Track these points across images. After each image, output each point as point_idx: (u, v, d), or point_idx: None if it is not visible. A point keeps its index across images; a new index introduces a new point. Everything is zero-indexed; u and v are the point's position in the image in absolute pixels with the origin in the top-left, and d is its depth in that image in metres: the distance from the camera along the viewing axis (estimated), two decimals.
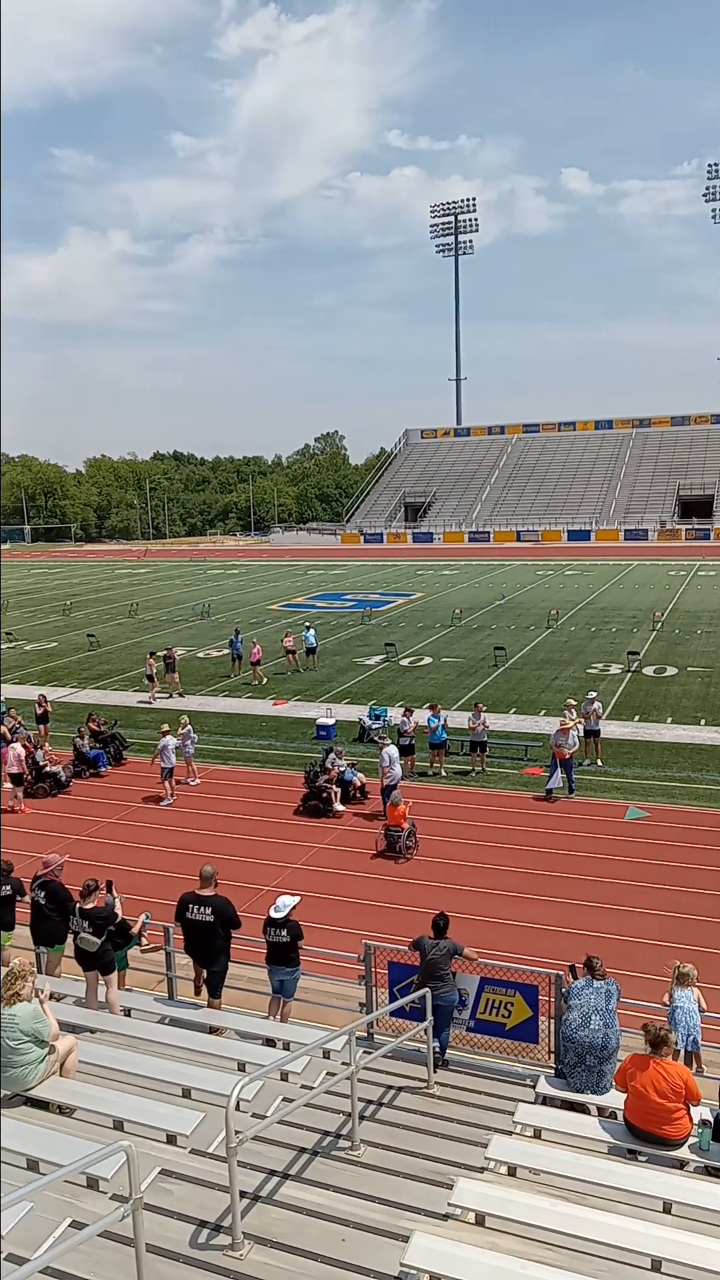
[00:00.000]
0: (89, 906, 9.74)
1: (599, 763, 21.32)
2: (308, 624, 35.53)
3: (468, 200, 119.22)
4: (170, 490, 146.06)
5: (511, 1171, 6.53)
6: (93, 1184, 5.59)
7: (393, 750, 18.80)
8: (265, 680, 30.78)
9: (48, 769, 21.24)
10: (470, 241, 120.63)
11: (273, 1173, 6.12)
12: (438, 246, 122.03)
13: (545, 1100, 8.01)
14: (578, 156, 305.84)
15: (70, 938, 10.25)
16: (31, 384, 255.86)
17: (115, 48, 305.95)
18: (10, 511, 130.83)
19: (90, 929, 9.58)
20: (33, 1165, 5.75)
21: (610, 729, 23.17)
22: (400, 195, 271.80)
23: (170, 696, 29.54)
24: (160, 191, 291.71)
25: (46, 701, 25.13)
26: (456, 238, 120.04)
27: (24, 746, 21.39)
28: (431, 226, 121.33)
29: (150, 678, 29.77)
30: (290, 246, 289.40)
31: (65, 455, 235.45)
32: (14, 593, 60.18)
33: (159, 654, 30.52)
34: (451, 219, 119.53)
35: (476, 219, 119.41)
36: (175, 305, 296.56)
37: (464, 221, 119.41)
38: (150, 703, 29.15)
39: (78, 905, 9.80)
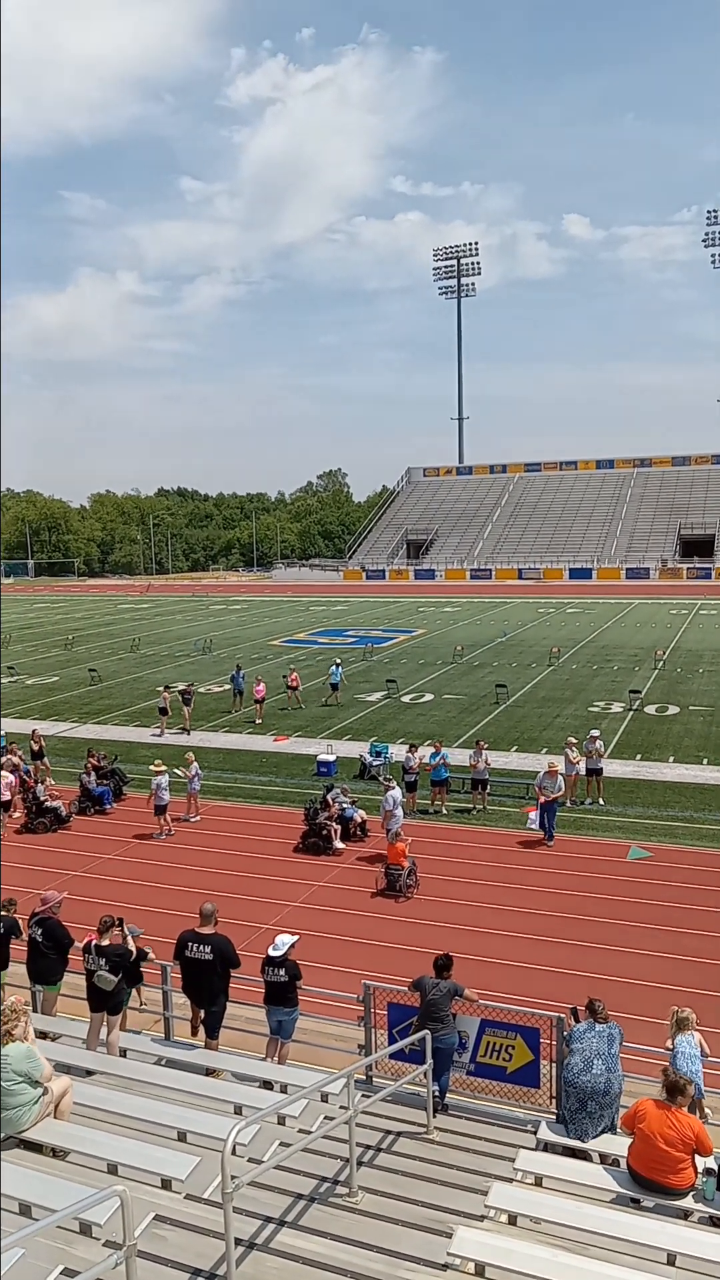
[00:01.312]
0: (105, 944, 9.62)
1: (601, 801, 21.19)
2: (337, 660, 35.86)
3: (470, 244, 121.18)
4: (173, 526, 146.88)
5: (512, 1220, 6.41)
6: (85, 1230, 5.49)
7: (397, 794, 18.62)
8: (259, 721, 30.57)
9: (48, 804, 21.14)
10: (473, 284, 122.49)
11: (269, 1219, 6.01)
12: (440, 289, 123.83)
13: (546, 1146, 7.88)
14: (579, 203, 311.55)
15: (71, 978, 10.16)
16: (39, 421, 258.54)
17: (128, 97, 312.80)
18: (14, 546, 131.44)
19: (107, 967, 9.44)
20: (25, 1210, 5.64)
21: (612, 768, 23.06)
22: (404, 239, 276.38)
23: (182, 732, 29.39)
24: (169, 234, 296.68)
25: (40, 737, 25.06)
26: (459, 280, 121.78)
27: (16, 776, 21.45)
28: (434, 269, 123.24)
29: (163, 710, 29.78)
30: (296, 288, 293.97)
31: (70, 491, 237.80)
32: (16, 627, 60.28)
33: (175, 687, 30.63)
34: (454, 262, 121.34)
35: (479, 262, 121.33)
36: (182, 344, 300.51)
37: (466, 265, 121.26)
38: (159, 736, 29.14)
39: (93, 943, 9.68)
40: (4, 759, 23.19)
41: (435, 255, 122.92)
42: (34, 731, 25.50)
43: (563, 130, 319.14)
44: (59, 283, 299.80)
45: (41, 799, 21.16)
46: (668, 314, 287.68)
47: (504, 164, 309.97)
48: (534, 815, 19.45)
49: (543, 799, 18.95)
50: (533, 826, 19.39)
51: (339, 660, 35.82)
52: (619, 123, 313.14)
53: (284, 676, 34.03)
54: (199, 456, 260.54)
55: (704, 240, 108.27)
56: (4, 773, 21.64)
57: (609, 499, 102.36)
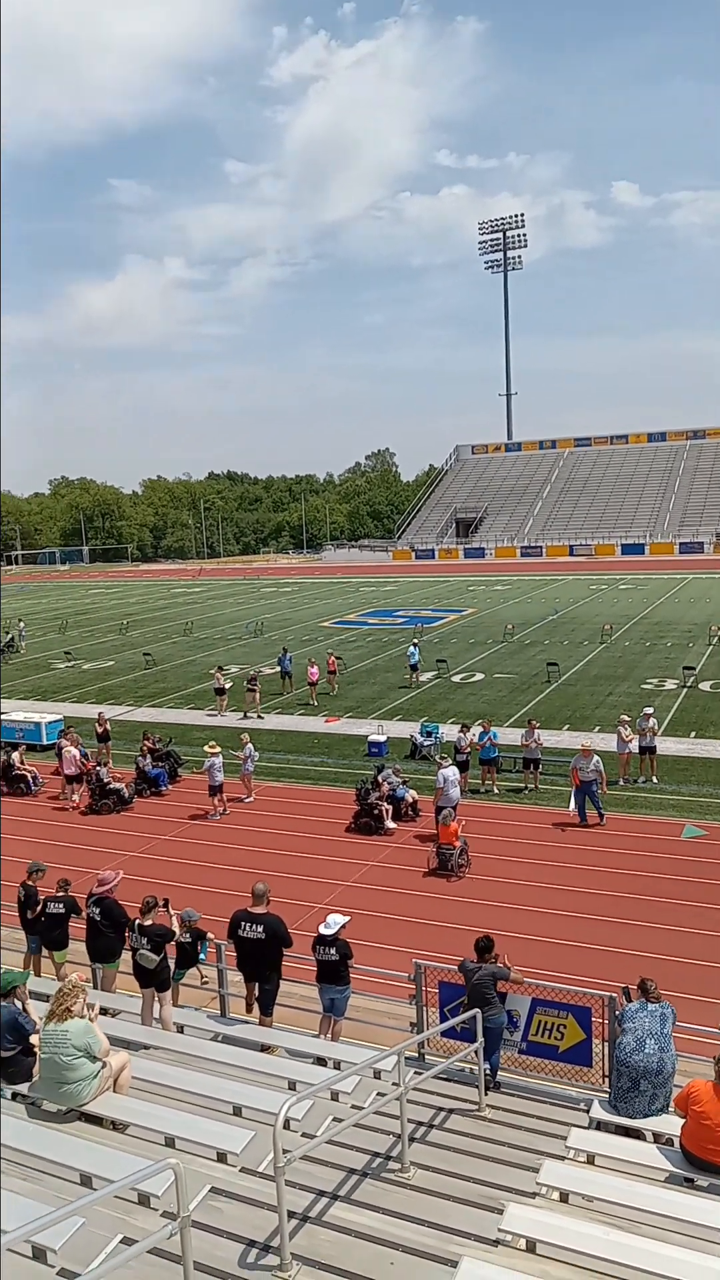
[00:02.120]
0: (148, 924, 9.87)
1: (654, 780, 20.98)
2: (415, 640, 35.57)
3: (516, 216, 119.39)
4: (224, 509, 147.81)
5: (564, 1198, 6.43)
6: (144, 1201, 5.63)
7: (451, 772, 18.59)
8: (314, 703, 30.70)
9: (111, 785, 21.48)
10: (519, 257, 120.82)
11: (322, 1193, 6.11)
12: (486, 263, 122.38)
13: (599, 1125, 7.88)
14: (628, 169, 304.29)
15: (128, 954, 10.40)
16: (91, 409, 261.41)
17: (171, 81, 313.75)
18: (70, 533, 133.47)
19: (149, 946, 9.70)
20: (85, 1180, 5.82)
21: (666, 745, 22.79)
22: (449, 213, 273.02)
23: (247, 718, 29.43)
24: (214, 217, 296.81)
25: (105, 720, 25.49)
26: (505, 253, 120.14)
27: (77, 748, 22.03)
28: (480, 243, 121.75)
29: (220, 690, 30.22)
30: (341, 267, 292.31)
31: (122, 477, 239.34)
32: (72, 613, 61.32)
33: (229, 669, 31.07)
34: (500, 235, 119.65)
35: (525, 234, 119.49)
36: (229, 328, 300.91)
37: (512, 237, 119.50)
38: (216, 716, 29.71)
39: (137, 922, 9.93)
40: (62, 740, 23.65)
41: (480, 228, 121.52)
42: (100, 715, 25.95)
43: (610, 95, 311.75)
44: (108, 271, 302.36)
45: (105, 781, 21.52)
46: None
47: (550, 133, 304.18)
48: (574, 799, 19.33)
49: (578, 780, 18.80)
50: (571, 810, 19.27)
51: (417, 640, 35.40)
52: (668, 85, 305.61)
53: (320, 658, 34.05)
54: (248, 440, 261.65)
55: None
56: (70, 748, 22.14)
57: (661, 472, 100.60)
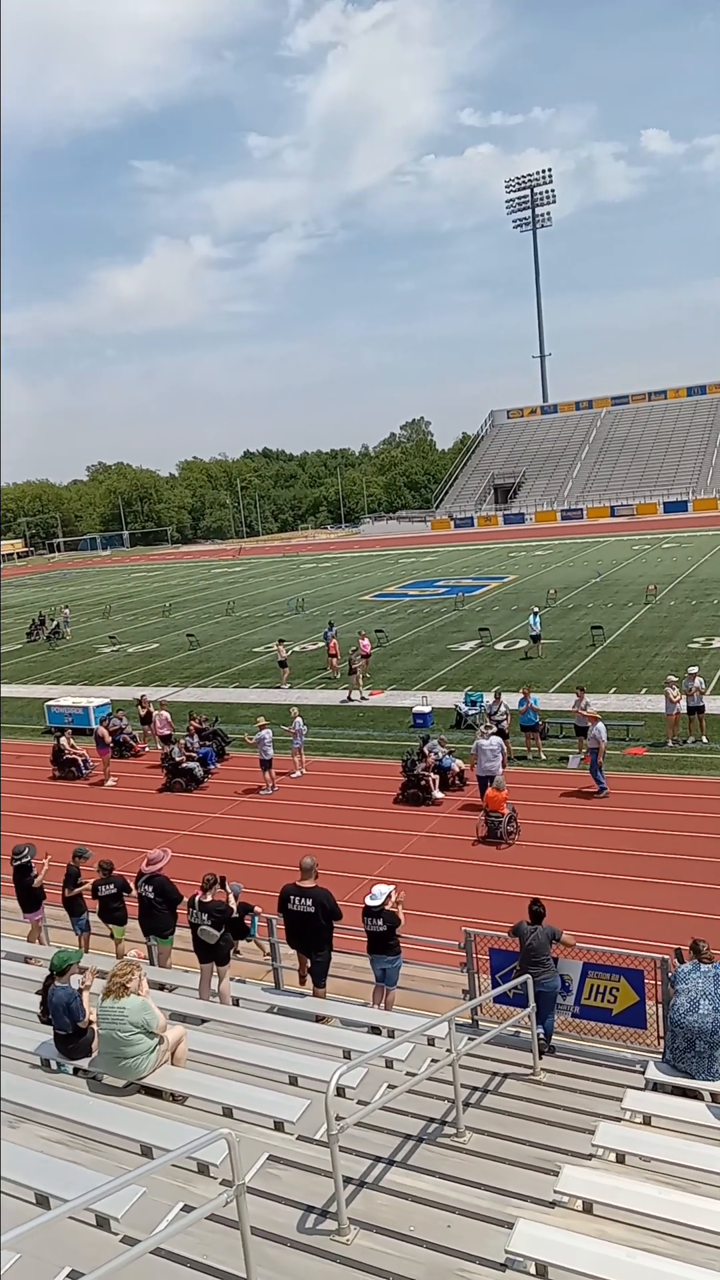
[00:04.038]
0: (208, 900, 10.02)
1: (704, 740, 20.73)
2: (535, 609, 34.14)
3: (543, 172, 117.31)
4: (261, 488, 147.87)
5: (620, 1159, 6.45)
6: (203, 1170, 5.75)
7: (484, 742, 18.25)
8: (369, 675, 30.70)
9: (184, 764, 21.74)
10: (548, 214, 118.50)
11: (378, 1159, 6.19)
12: (515, 221, 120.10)
13: (655, 1086, 7.88)
14: (656, 116, 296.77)
15: (181, 931, 10.59)
16: (125, 394, 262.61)
17: (189, 58, 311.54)
18: (109, 519, 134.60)
19: (210, 922, 9.86)
20: (145, 1151, 5.95)
21: (715, 704, 22.47)
22: (476, 174, 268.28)
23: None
24: (238, 194, 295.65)
25: (148, 702, 25.80)
26: (534, 211, 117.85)
27: (113, 741, 22.71)
28: (507, 202, 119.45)
29: (283, 663, 30.55)
30: (369, 236, 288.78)
31: (159, 460, 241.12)
32: (115, 597, 61.98)
33: (286, 641, 31.74)
34: (528, 192, 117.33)
35: (553, 190, 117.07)
36: (258, 305, 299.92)
37: (540, 194, 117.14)
38: (284, 688, 30.06)
39: (197, 899, 10.08)
40: (108, 723, 24.02)
41: (508, 186, 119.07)
42: (142, 697, 26.27)
43: (635, 39, 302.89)
44: (135, 255, 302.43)
45: (178, 760, 21.78)
46: None
47: (575, 83, 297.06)
48: (574, 760, 19.62)
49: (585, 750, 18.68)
50: (571, 767, 19.58)
51: (537, 609, 34.13)
52: (695, 24, 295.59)
53: (369, 633, 34.04)
54: (282, 417, 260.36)
55: None
56: (162, 711, 24.16)
57: (702, 427, 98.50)
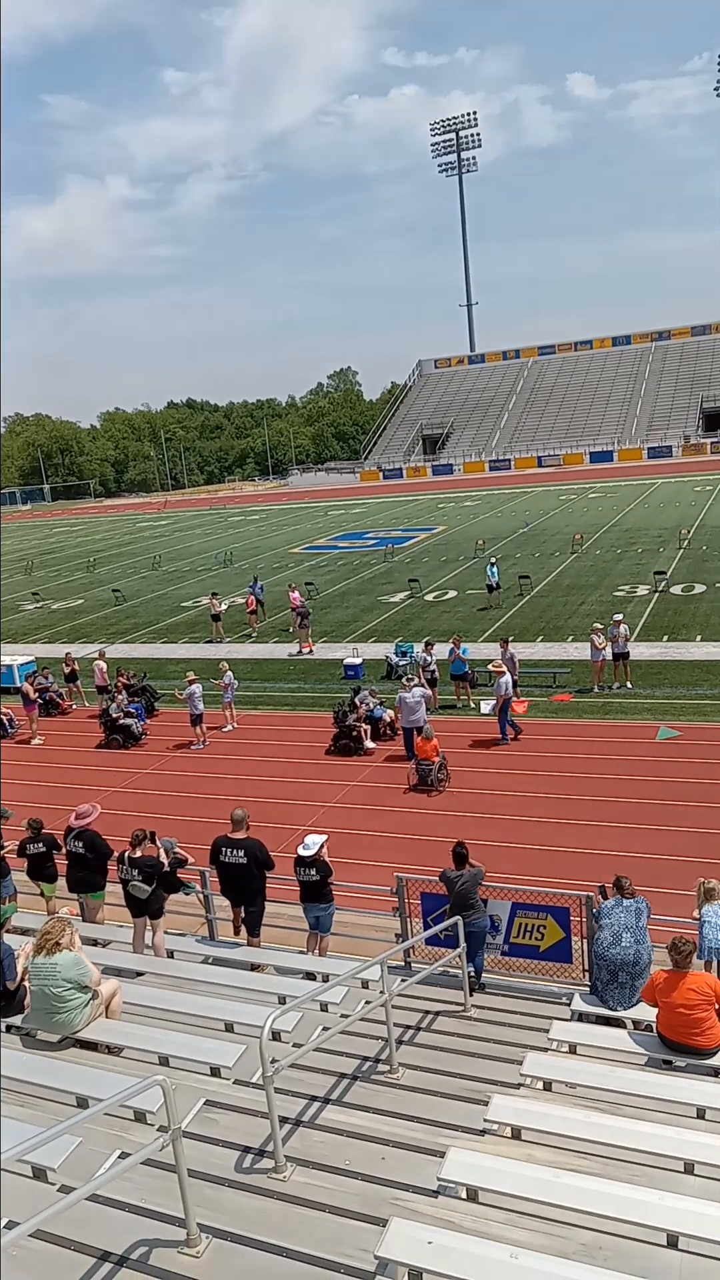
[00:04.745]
0: (138, 855, 9.99)
1: (629, 685, 21.27)
2: (492, 559, 34.07)
3: (468, 115, 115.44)
4: (186, 439, 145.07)
5: (547, 1086, 6.69)
6: (140, 1117, 5.80)
7: (406, 695, 18.35)
8: (295, 630, 30.64)
9: (121, 721, 21.48)
10: (474, 159, 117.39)
11: (314, 1098, 6.32)
12: (440, 166, 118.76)
13: (580, 1017, 8.17)
14: (582, 60, 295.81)
15: (112, 885, 10.54)
16: (40, 340, 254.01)
17: None
18: (29, 472, 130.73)
19: (140, 877, 9.84)
20: (82, 1103, 5.97)
21: (639, 650, 23.04)
22: (400, 115, 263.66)
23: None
24: (156, 132, 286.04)
25: (73, 660, 25.39)
26: (459, 155, 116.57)
27: (40, 699, 22.71)
28: (433, 145, 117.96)
29: (216, 617, 30.43)
30: (291, 179, 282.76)
31: (79, 412, 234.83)
32: (38, 553, 60.54)
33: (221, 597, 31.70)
34: (453, 136, 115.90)
35: (479, 134, 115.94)
36: (179, 249, 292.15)
37: (466, 138, 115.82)
38: (218, 642, 30.11)
39: (127, 854, 10.04)
40: (34, 681, 23.61)
41: (433, 129, 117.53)
42: (67, 655, 25.84)
43: None
44: (48, 194, 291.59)
45: (115, 717, 21.50)
46: (680, 173, 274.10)
47: (501, 24, 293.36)
48: (487, 706, 20.14)
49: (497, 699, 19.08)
50: (486, 713, 20.08)
51: (494, 559, 34.27)
52: None
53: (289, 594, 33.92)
54: (206, 366, 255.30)
55: (716, 90, 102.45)
56: (100, 662, 24.39)
57: (627, 377, 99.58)
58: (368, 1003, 7.76)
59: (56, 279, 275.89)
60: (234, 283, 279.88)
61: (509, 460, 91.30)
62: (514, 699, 19.43)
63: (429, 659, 21.28)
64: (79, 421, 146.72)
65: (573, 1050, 7.40)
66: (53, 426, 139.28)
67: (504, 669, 19.16)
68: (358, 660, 24.66)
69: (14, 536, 76.16)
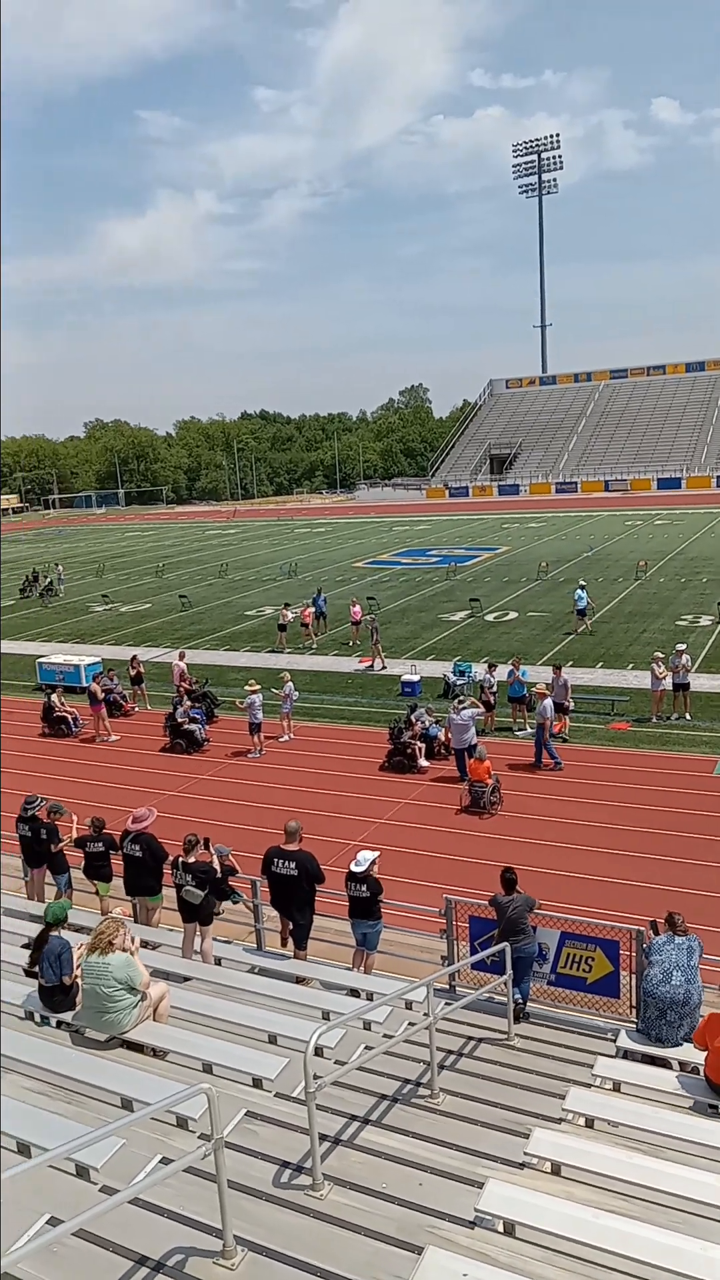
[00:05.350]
0: (191, 861, 10.13)
1: (687, 716, 20.90)
2: (581, 582, 33.20)
3: (551, 137, 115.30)
4: (257, 450, 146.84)
5: (589, 1123, 6.62)
6: (182, 1123, 5.88)
7: (454, 716, 18.31)
8: (356, 643, 30.76)
9: (185, 726, 21.76)
10: (554, 180, 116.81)
11: (354, 1118, 6.34)
12: (520, 187, 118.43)
13: (625, 1054, 8.06)
14: (668, 85, 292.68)
15: (166, 890, 10.69)
16: (124, 350, 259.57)
17: (199, 5, 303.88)
18: (105, 477, 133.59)
19: (193, 882, 9.98)
20: (126, 1104, 6.08)
21: (700, 682, 22.66)
22: (484, 137, 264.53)
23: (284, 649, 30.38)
24: (245, 148, 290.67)
25: (140, 663, 25.82)
26: (540, 177, 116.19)
27: (103, 702, 22.86)
28: (514, 166, 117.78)
29: (282, 627, 30.76)
30: (374, 196, 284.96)
31: (156, 419, 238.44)
32: (109, 556, 61.74)
33: (295, 606, 32.32)
34: (535, 158, 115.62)
35: (561, 156, 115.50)
36: (262, 263, 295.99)
37: (548, 160, 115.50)
38: (279, 652, 30.34)
39: (180, 859, 10.18)
40: (100, 681, 24.05)
41: (515, 151, 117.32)
42: (133, 657, 26.28)
43: (650, 4, 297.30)
44: (138, 207, 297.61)
45: (180, 721, 21.81)
46: None
47: (588, 48, 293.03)
48: (528, 730, 20.10)
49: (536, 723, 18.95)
50: (520, 735, 20.25)
51: (583, 583, 33.15)
52: None
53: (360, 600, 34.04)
54: (281, 378, 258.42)
55: None
56: (180, 664, 24.69)
57: (699, 403, 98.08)
58: (411, 1024, 7.76)
59: (142, 289, 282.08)
60: (312, 297, 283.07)
61: (575, 483, 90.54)
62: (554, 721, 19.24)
63: (491, 679, 21.17)
64: (156, 429, 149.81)
65: (617, 1088, 7.30)
66: (130, 433, 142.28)
67: (546, 692, 19.05)
68: (416, 677, 24.66)
69: (87, 540, 77.81)
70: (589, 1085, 7.23)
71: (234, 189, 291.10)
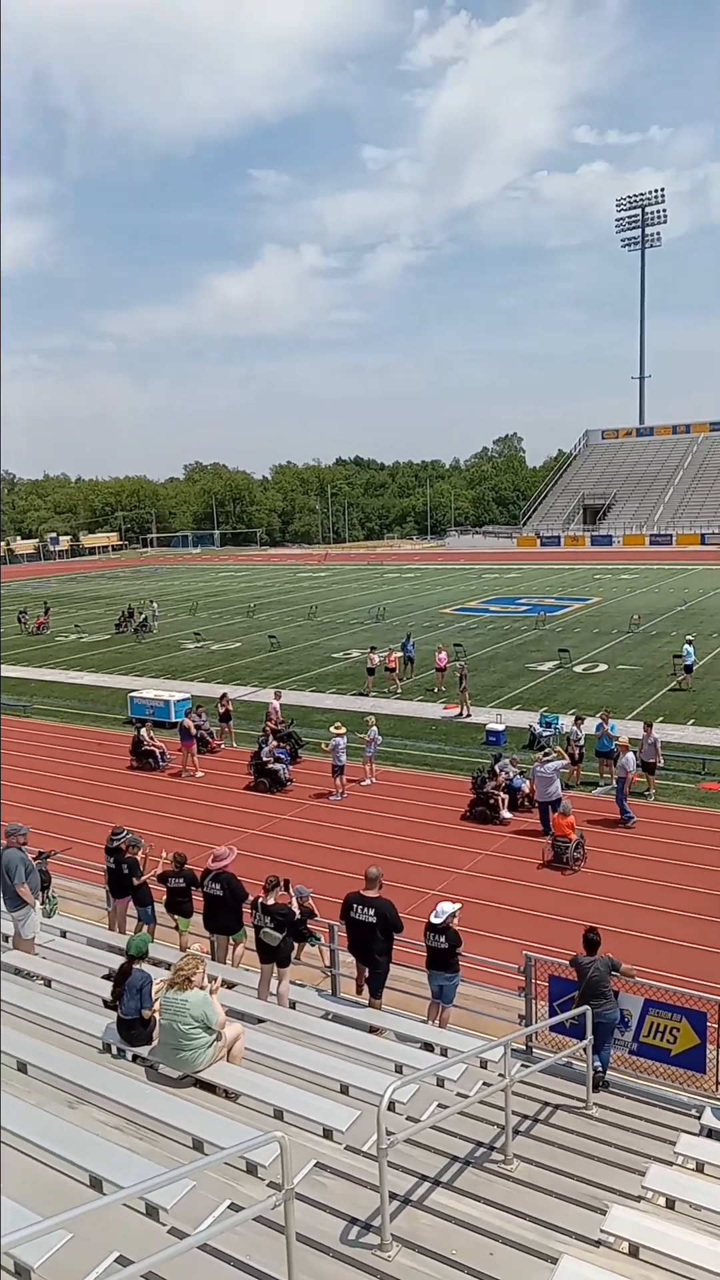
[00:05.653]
0: (270, 902, 10.15)
1: None
2: (689, 637, 31.55)
3: (656, 191, 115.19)
4: (350, 495, 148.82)
5: (670, 1204, 6.33)
6: (251, 1169, 5.84)
7: (539, 768, 18.04)
8: (442, 689, 30.65)
9: (270, 766, 21.93)
10: (658, 234, 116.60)
11: (424, 1178, 6.19)
12: (624, 240, 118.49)
13: (710, 1133, 7.70)
14: None
15: (249, 929, 10.73)
16: (224, 395, 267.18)
17: (312, 69, 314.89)
18: (202, 518, 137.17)
19: (272, 925, 9.99)
20: (197, 1145, 6.07)
21: None
22: (587, 192, 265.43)
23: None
24: (350, 204, 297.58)
25: (228, 700, 26.20)
26: (644, 230, 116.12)
27: (194, 737, 23.16)
28: (617, 220, 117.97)
29: (370, 671, 30.86)
30: (475, 250, 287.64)
31: (253, 462, 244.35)
32: (202, 595, 63.10)
33: (382, 650, 32.50)
34: (639, 212, 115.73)
35: (665, 210, 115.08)
36: (361, 314, 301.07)
37: (651, 214, 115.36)
38: (366, 694, 30.47)
39: (259, 900, 10.21)
40: (191, 718, 24.46)
41: (619, 205, 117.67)
42: (223, 695, 26.68)
43: None
44: (246, 261, 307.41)
45: (265, 761, 22.02)
46: None
47: (696, 103, 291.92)
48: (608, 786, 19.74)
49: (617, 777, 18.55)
50: (597, 792, 19.85)
51: (690, 637, 31.55)
52: None
53: (446, 645, 33.92)
54: (377, 425, 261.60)
55: None
56: (275, 703, 24.94)
57: None
58: (486, 1084, 7.58)
59: (245, 338, 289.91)
60: (410, 346, 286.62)
61: (671, 535, 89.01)
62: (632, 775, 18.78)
63: (577, 732, 20.82)
64: (252, 472, 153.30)
65: (700, 1169, 6.97)
66: (228, 476, 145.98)
67: (628, 745, 18.70)
68: (500, 727, 24.39)
69: (182, 578, 79.75)
70: (670, 1163, 6.93)
71: (338, 243, 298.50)
